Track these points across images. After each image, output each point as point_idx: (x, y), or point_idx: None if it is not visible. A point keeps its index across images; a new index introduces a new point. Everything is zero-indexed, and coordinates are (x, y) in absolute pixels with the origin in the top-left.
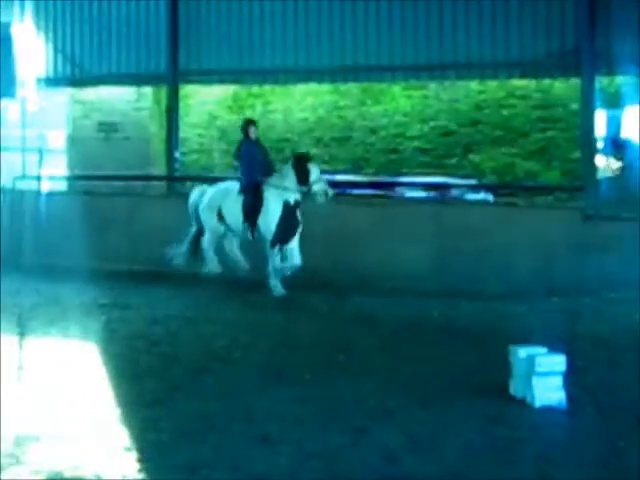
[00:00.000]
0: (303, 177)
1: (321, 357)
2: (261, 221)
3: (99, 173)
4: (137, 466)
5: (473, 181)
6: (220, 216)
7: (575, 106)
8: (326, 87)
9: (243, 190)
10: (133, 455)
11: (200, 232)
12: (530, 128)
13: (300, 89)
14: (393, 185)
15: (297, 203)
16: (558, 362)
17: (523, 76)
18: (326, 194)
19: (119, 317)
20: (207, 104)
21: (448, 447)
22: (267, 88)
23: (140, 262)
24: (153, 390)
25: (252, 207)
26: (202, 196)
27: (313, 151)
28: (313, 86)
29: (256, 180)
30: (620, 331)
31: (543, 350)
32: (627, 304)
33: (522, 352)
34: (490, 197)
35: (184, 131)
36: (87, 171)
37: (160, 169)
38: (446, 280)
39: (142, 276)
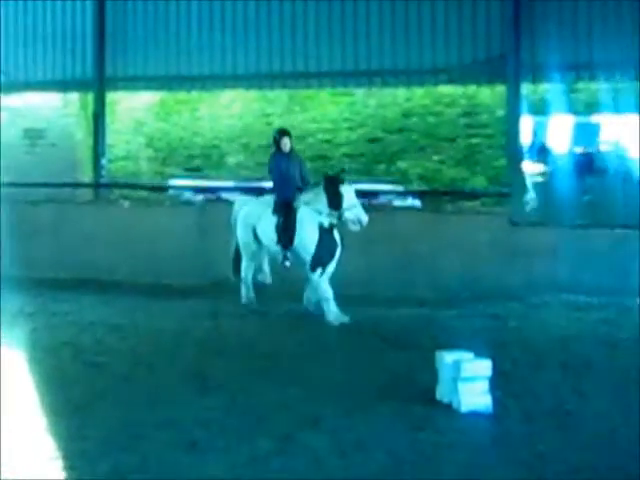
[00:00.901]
0: (335, 201)
1: (249, 365)
2: (298, 242)
3: (25, 180)
4: (63, 475)
5: (400, 187)
6: (255, 235)
7: (501, 113)
8: (253, 94)
9: (276, 209)
10: (59, 464)
11: (238, 247)
12: (457, 135)
13: (227, 96)
14: None
15: (332, 226)
16: (484, 367)
17: (449, 83)
18: (360, 223)
19: (46, 325)
20: (134, 110)
21: (374, 453)
22: (194, 95)
23: (67, 269)
24: (79, 398)
25: (285, 228)
26: (241, 209)
27: (241, 158)
28: (240, 93)
29: (288, 198)
30: (545, 335)
31: (469, 355)
32: (553, 309)
33: (448, 357)
34: (417, 203)
35: (111, 138)
36: (13, 178)
37: (87, 176)
38: (374, 286)
39: (69, 283)
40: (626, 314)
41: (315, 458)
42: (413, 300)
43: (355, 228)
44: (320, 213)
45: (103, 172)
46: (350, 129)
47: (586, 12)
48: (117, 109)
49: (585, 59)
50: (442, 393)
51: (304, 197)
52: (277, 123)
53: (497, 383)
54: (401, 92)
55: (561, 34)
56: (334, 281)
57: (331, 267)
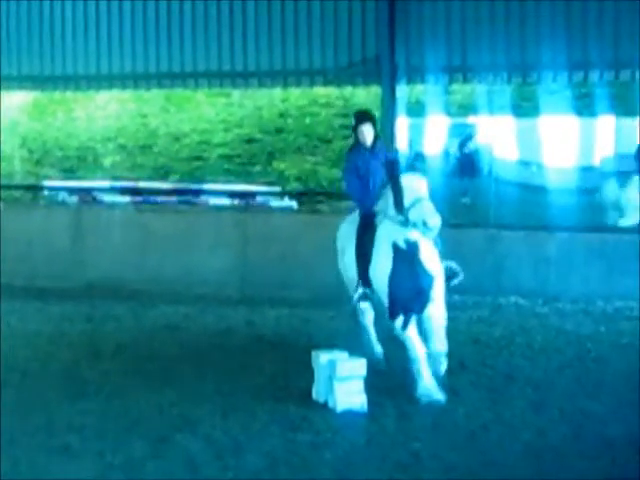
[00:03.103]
0: (397, 199)
1: (125, 368)
2: (372, 276)
3: None
4: None
5: (277, 188)
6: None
7: (377, 114)
8: (129, 94)
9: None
10: None
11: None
12: (333, 136)
13: (103, 96)
14: (197, 193)
15: (413, 243)
16: (359, 366)
17: (326, 84)
18: (425, 226)
19: None
20: (7, 110)
21: (250, 454)
22: (69, 95)
23: None
24: None
25: (360, 254)
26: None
27: (117, 159)
28: (116, 93)
29: (369, 211)
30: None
31: (344, 355)
32: None
33: (324, 357)
34: (294, 204)
35: None
36: None
37: None
38: (251, 287)
39: None
40: (499, 313)
41: (191, 461)
42: (289, 301)
43: (427, 235)
44: (393, 221)
45: None
46: (226, 130)
47: (459, 15)
48: None
49: (459, 61)
50: (318, 393)
51: (380, 203)
52: (153, 123)
53: (372, 382)
54: (277, 93)
55: (435, 36)
56: (212, 283)
57: (433, 312)
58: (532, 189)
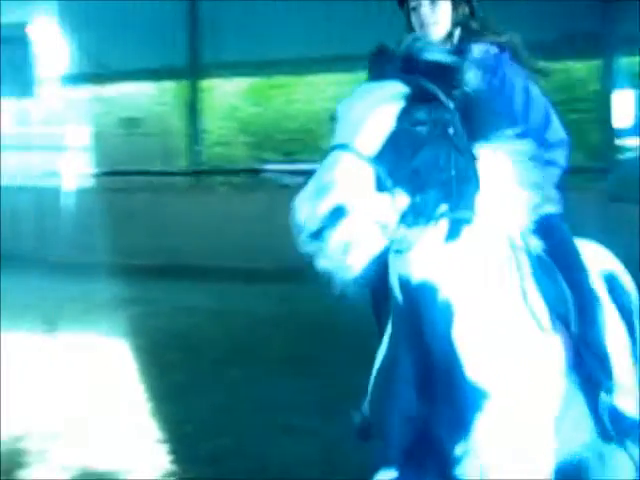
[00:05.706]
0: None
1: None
2: None
3: (121, 169)
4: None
5: None
6: None
7: (596, 87)
8: (347, 76)
9: None
10: (162, 447)
11: None
12: (555, 110)
13: (322, 79)
14: None
15: (417, 301)
16: None
17: (544, 57)
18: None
19: (143, 311)
20: (227, 96)
21: None
22: (287, 79)
23: (163, 256)
24: (179, 384)
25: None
26: None
27: None
28: (334, 76)
29: None
30: None
31: None
32: None
33: None
34: None
35: (205, 124)
36: (109, 168)
37: (182, 163)
38: None
39: (165, 270)
40: None
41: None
42: None
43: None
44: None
45: (199, 159)
46: None
47: None
48: (211, 95)
49: None
50: None
51: None
52: None
53: None
54: None
55: None
56: None
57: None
58: None
